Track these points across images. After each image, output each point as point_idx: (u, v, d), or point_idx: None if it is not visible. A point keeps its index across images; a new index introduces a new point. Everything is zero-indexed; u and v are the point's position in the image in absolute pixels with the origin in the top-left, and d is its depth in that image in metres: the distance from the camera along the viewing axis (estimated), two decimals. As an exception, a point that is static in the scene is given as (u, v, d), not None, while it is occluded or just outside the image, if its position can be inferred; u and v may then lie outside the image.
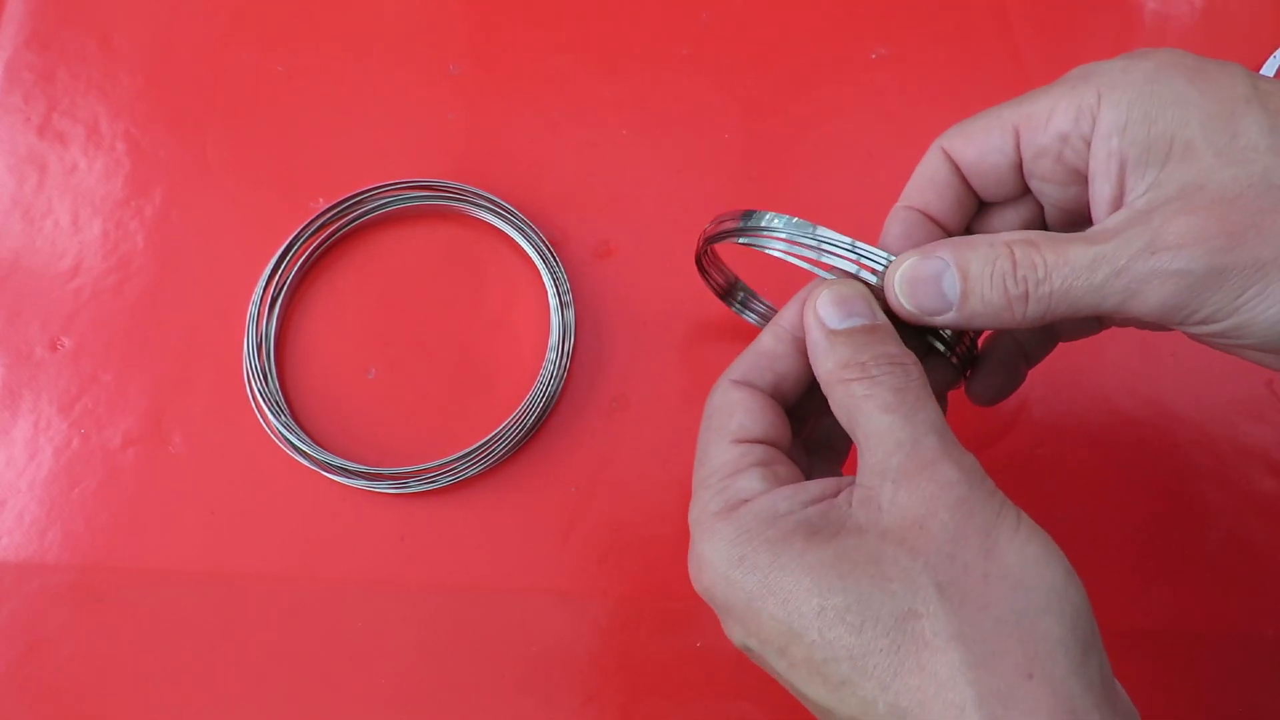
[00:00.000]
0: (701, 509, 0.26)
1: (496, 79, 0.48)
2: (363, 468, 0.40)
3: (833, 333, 0.26)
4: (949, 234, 0.29)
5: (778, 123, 0.47)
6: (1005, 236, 0.25)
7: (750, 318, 0.40)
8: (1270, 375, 0.43)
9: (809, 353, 0.27)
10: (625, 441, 0.42)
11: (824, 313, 0.26)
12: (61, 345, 0.43)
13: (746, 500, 0.25)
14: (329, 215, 0.44)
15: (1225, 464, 0.42)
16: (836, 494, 0.25)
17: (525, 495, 0.41)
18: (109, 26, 0.49)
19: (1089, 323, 0.32)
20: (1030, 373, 0.45)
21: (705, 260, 0.37)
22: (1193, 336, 0.24)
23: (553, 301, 0.42)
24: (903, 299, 0.26)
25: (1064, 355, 0.44)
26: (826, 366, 0.26)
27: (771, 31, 0.49)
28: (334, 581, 0.40)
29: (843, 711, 0.23)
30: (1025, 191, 0.29)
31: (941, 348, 0.30)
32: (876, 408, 0.24)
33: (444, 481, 0.40)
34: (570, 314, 0.42)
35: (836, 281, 0.27)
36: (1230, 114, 0.23)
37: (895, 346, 0.26)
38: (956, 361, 0.30)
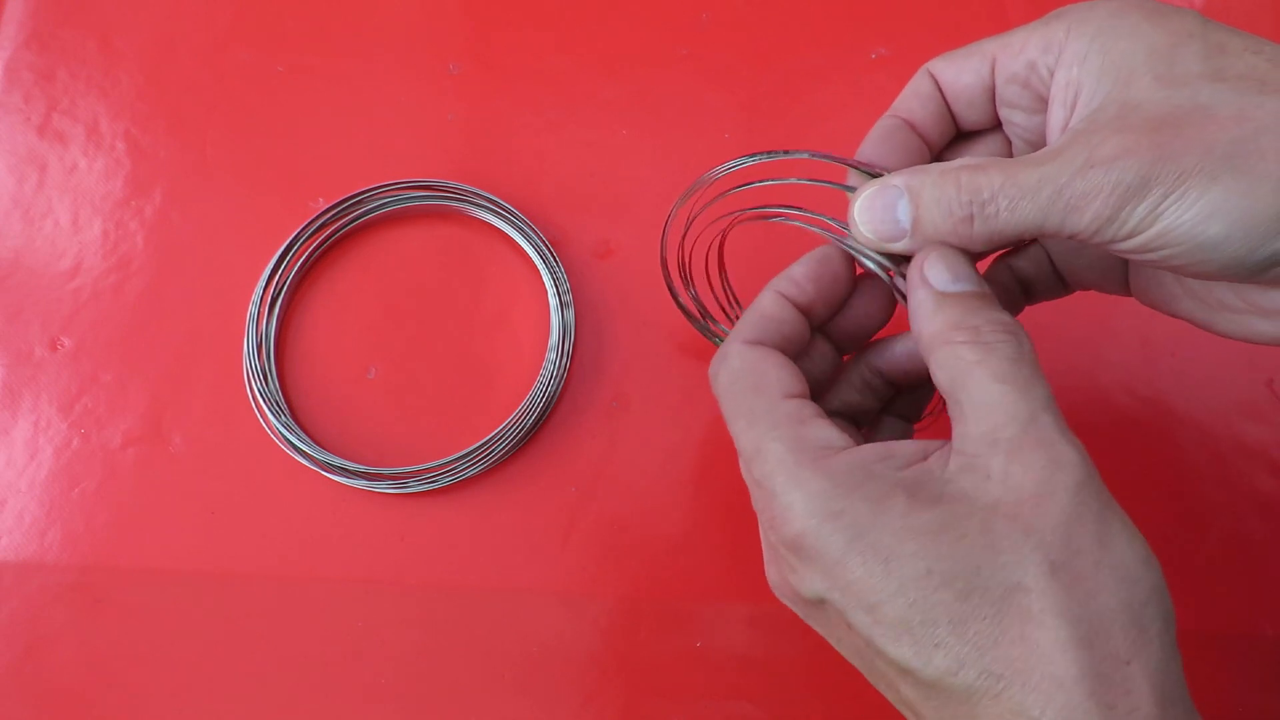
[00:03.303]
0: (776, 461, 0.25)
1: (496, 79, 0.48)
2: (363, 468, 0.40)
3: (941, 294, 0.26)
4: (927, 142, 0.30)
5: (778, 123, 0.47)
6: (958, 163, 0.26)
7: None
8: (1270, 375, 0.43)
9: (910, 315, 0.27)
10: (625, 441, 0.42)
11: (932, 274, 0.26)
12: (61, 345, 0.43)
13: (829, 449, 0.25)
14: (329, 215, 0.44)
15: (1225, 464, 0.42)
16: (925, 458, 0.25)
17: (525, 495, 0.41)
18: (109, 26, 0.49)
19: (1056, 284, 0.33)
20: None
21: (682, 279, 0.36)
22: (1123, 254, 0.25)
23: (553, 301, 0.42)
24: (861, 225, 0.27)
25: (1064, 355, 0.44)
26: (933, 327, 0.26)
27: (771, 31, 0.49)
28: (334, 581, 0.40)
29: (926, 673, 0.23)
30: (997, 124, 0.30)
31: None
32: (989, 375, 0.24)
33: (444, 481, 0.40)
34: (570, 314, 0.42)
35: (942, 248, 0.27)
36: (1174, 45, 0.24)
37: (1007, 315, 0.26)
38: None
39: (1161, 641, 0.23)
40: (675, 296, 0.39)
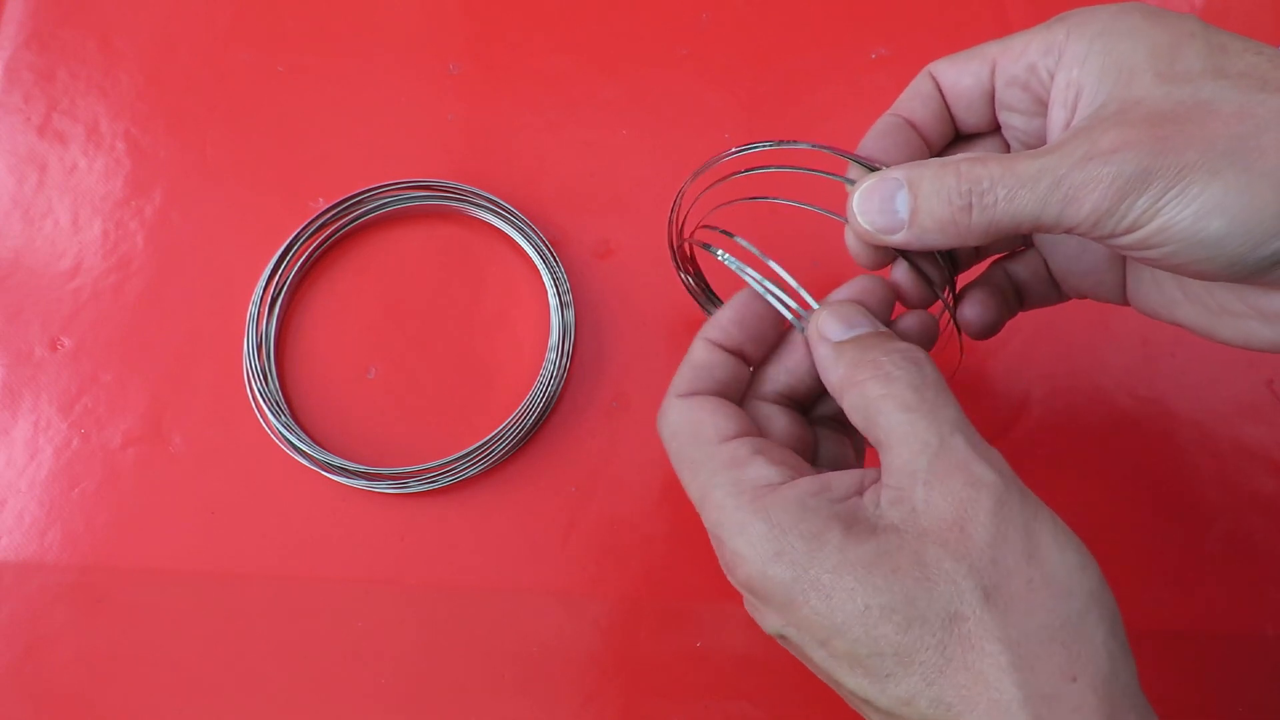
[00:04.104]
0: (718, 509, 0.26)
1: (496, 79, 0.48)
2: (363, 468, 0.40)
3: (838, 344, 0.27)
4: (927, 141, 0.30)
5: (778, 123, 0.47)
6: (957, 156, 0.26)
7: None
8: (1270, 375, 0.43)
9: (818, 368, 0.28)
10: (625, 441, 0.42)
11: (826, 328, 0.27)
12: (61, 345, 0.43)
13: (767, 487, 0.25)
14: (329, 215, 0.44)
15: (1225, 464, 0.42)
16: (861, 491, 0.25)
17: (525, 495, 0.41)
18: (109, 26, 0.49)
19: (1050, 291, 0.33)
20: (1030, 373, 0.45)
21: (688, 249, 0.36)
22: (1121, 250, 0.25)
23: (553, 301, 0.42)
24: (860, 216, 0.27)
25: (1064, 355, 0.44)
26: (837, 373, 0.26)
27: (771, 31, 0.49)
28: (334, 581, 0.40)
29: (882, 702, 0.23)
30: (995, 127, 0.31)
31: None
32: (896, 407, 0.25)
33: (444, 481, 0.40)
34: (570, 314, 0.42)
35: (833, 303, 0.28)
36: (1175, 44, 0.25)
37: (904, 344, 0.26)
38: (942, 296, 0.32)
39: (1108, 649, 0.22)
40: (680, 270, 0.39)
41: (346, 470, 0.40)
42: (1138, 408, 0.43)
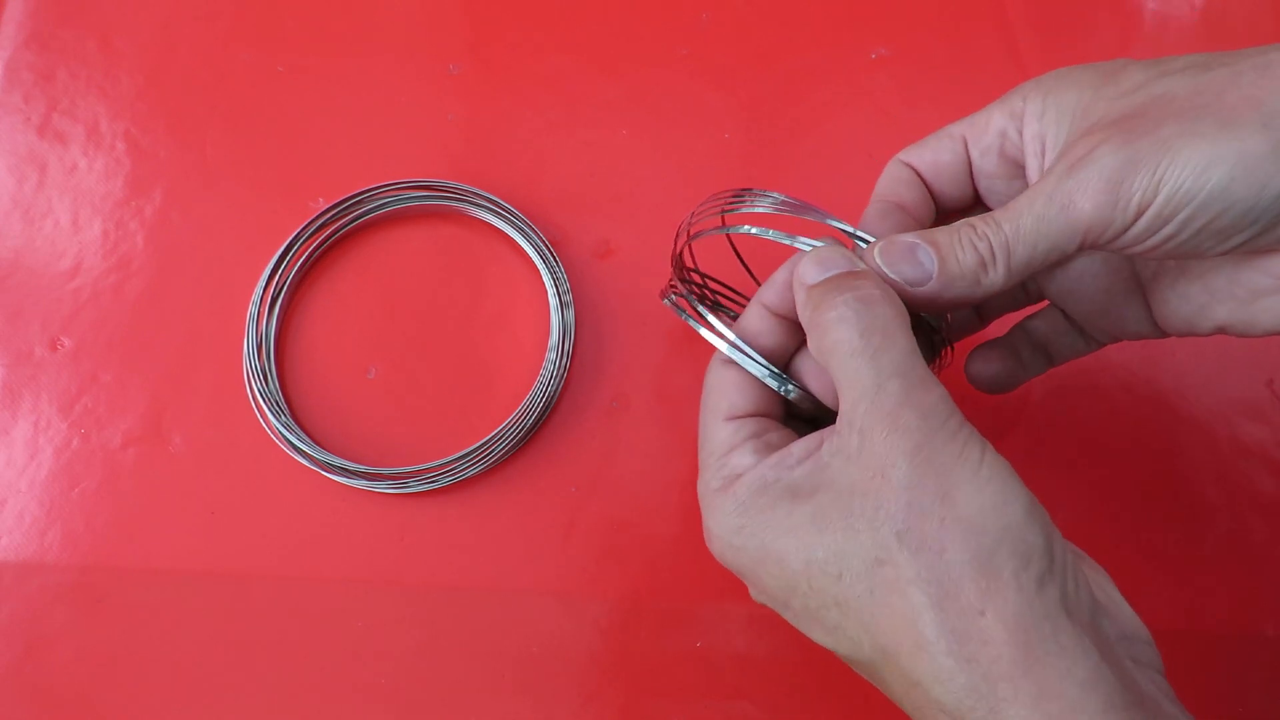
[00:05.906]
0: (705, 486, 0.28)
1: (496, 79, 0.48)
2: (363, 468, 0.40)
3: (811, 286, 0.27)
4: (918, 224, 0.31)
5: (778, 123, 0.47)
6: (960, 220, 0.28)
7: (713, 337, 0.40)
8: (1270, 375, 0.43)
9: (799, 313, 0.28)
10: (625, 441, 0.42)
11: (804, 272, 0.27)
12: (61, 345, 0.43)
13: (740, 475, 0.27)
14: (329, 215, 0.44)
15: (1225, 464, 0.42)
16: (819, 447, 0.26)
17: (525, 495, 0.41)
18: (109, 26, 0.49)
19: (1076, 341, 0.33)
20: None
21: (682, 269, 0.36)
22: (1142, 244, 0.26)
23: (553, 301, 0.42)
24: (886, 269, 0.27)
25: (1064, 355, 0.44)
26: (805, 316, 0.27)
27: (771, 31, 0.49)
28: (334, 581, 0.40)
29: (842, 651, 0.25)
30: (976, 200, 0.32)
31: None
32: (845, 352, 0.25)
33: (444, 481, 0.40)
34: (570, 314, 0.42)
35: (819, 246, 0.28)
36: (1115, 72, 0.27)
37: (868, 286, 0.26)
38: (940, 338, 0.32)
39: (1019, 583, 0.22)
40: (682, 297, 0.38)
41: (346, 470, 0.40)
42: (1138, 407, 0.43)
